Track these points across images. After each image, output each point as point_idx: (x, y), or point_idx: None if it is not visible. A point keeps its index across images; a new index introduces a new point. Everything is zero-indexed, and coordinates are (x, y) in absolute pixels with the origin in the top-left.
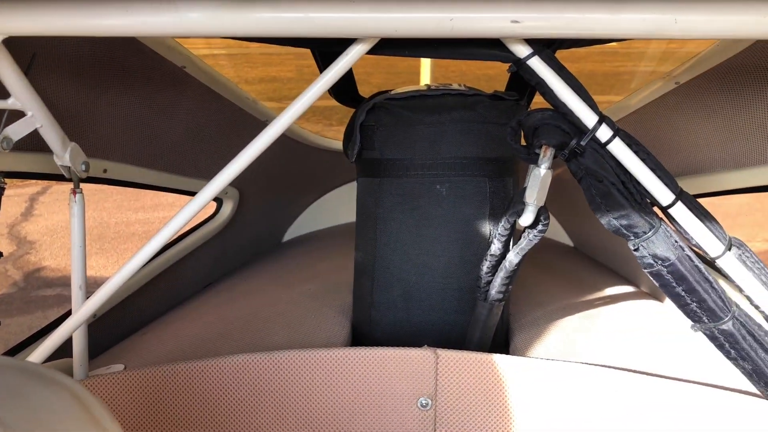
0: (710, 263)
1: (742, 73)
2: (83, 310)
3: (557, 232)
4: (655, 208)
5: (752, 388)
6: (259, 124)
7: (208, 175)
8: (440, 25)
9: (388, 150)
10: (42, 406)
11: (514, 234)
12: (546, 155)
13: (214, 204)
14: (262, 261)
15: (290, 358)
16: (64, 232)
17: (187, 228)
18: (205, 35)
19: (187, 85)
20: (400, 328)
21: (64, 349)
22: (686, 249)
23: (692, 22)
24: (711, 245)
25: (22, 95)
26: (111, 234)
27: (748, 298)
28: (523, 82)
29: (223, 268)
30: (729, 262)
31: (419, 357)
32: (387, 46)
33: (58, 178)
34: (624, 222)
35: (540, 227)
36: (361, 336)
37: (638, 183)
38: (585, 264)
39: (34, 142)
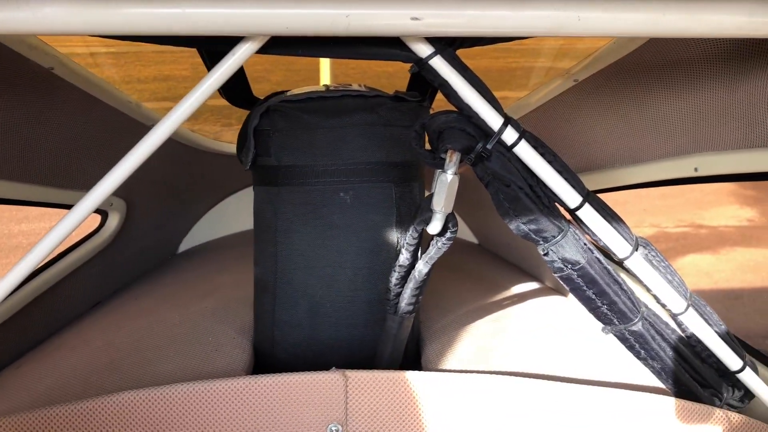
0: (618, 264)
1: (636, 71)
2: None
3: (462, 230)
4: (563, 211)
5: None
6: (144, 129)
7: (89, 186)
8: (335, 22)
9: (286, 156)
10: None
11: (423, 242)
12: (452, 160)
13: (99, 217)
14: (155, 275)
15: (184, 392)
16: None
17: (67, 245)
18: (63, 33)
19: (57, 88)
20: (307, 348)
21: None
22: (595, 251)
23: (595, 19)
24: (619, 246)
25: None
26: None
27: (655, 297)
28: (425, 81)
29: (112, 284)
30: (637, 263)
31: (327, 381)
32: (278, 45)
33: None
34: (533, 227)
35: (449, 234)
36: (264, 358)
37: (545, 186)
38: (490, 263)
39: None
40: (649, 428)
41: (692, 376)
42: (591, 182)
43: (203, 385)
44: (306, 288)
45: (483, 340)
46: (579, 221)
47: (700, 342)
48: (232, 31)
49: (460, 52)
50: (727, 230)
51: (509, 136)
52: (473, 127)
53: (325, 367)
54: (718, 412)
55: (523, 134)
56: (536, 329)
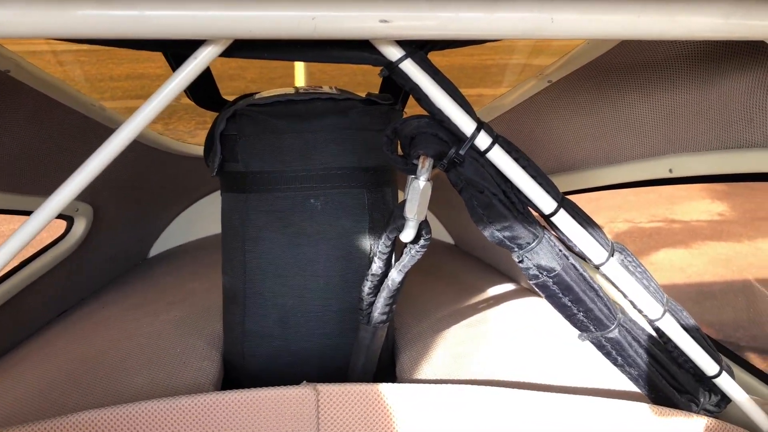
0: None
1: (610, 72)
2: None
3: (437, 230)
4: (538, 216)
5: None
6: (109, 132)
7: (53, 192)
8: (301, 24)
9: (254, 162)
10: None
11: (396, 249)
12: (425, 166)
13: (64, 223)
14: (124, 281)
15: (148, 410)
16: None
17: (30, 253)
18: (12, 36)
19: (15, 91)
20: (278, 359)
21: None
22: (571, 258)
23: (569, 21)
24: (595, 252)
25: None
26: None
27: (632, 303)
28: (398, 84)
29: (79, 292)
30: (613, 269)
31: (298, 396)
32: (243, 48)
33: None
34: (507, 234)
35: (422, 242)
36: (234, 370)
37: (519, 192)
38: (466, 264)
39: None
40: None
41: (669, 382)
42: (565, 183)
43: (169, 402)
44: (276, 297)
45: (460, 347)
46: (554, 227)
47: (676, 347)
48: (193, 34)
49: (435, 50)
50: (699, 224)
51: (482, 141)
52: (446, 132)
53: (296, 379)
54: (695, 418)
55: (497, 139)
56: (513, 333)
